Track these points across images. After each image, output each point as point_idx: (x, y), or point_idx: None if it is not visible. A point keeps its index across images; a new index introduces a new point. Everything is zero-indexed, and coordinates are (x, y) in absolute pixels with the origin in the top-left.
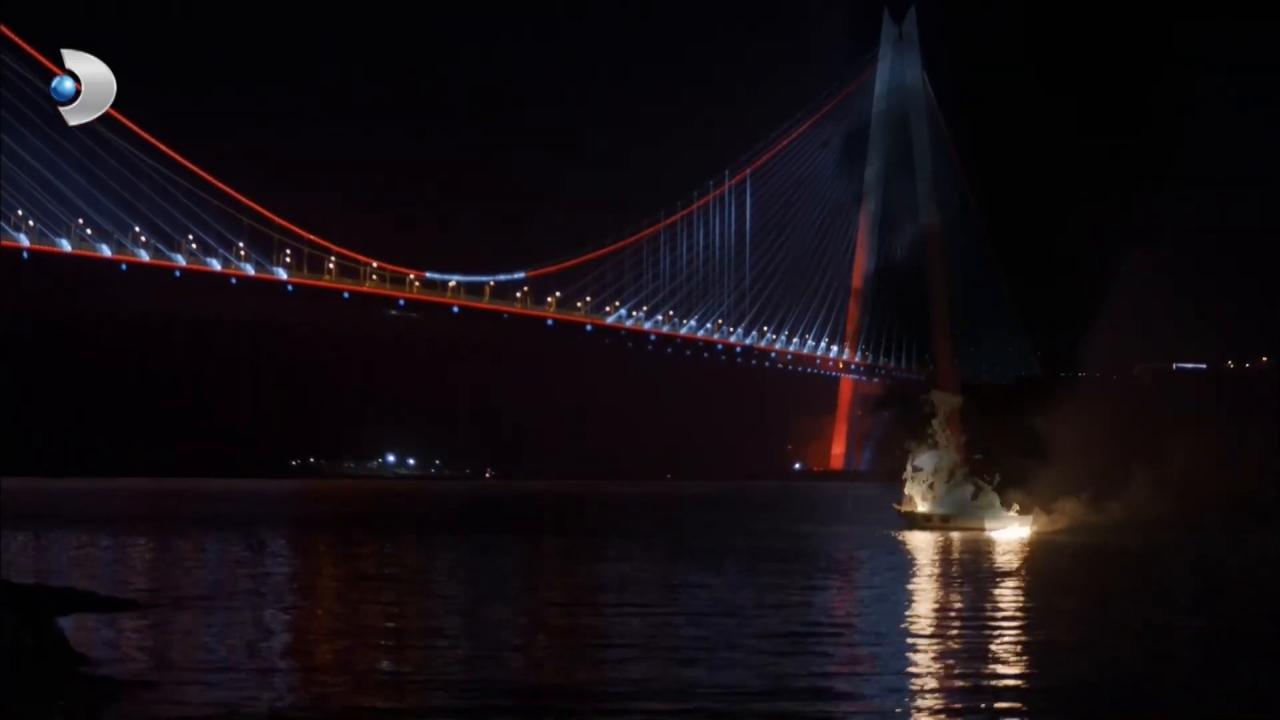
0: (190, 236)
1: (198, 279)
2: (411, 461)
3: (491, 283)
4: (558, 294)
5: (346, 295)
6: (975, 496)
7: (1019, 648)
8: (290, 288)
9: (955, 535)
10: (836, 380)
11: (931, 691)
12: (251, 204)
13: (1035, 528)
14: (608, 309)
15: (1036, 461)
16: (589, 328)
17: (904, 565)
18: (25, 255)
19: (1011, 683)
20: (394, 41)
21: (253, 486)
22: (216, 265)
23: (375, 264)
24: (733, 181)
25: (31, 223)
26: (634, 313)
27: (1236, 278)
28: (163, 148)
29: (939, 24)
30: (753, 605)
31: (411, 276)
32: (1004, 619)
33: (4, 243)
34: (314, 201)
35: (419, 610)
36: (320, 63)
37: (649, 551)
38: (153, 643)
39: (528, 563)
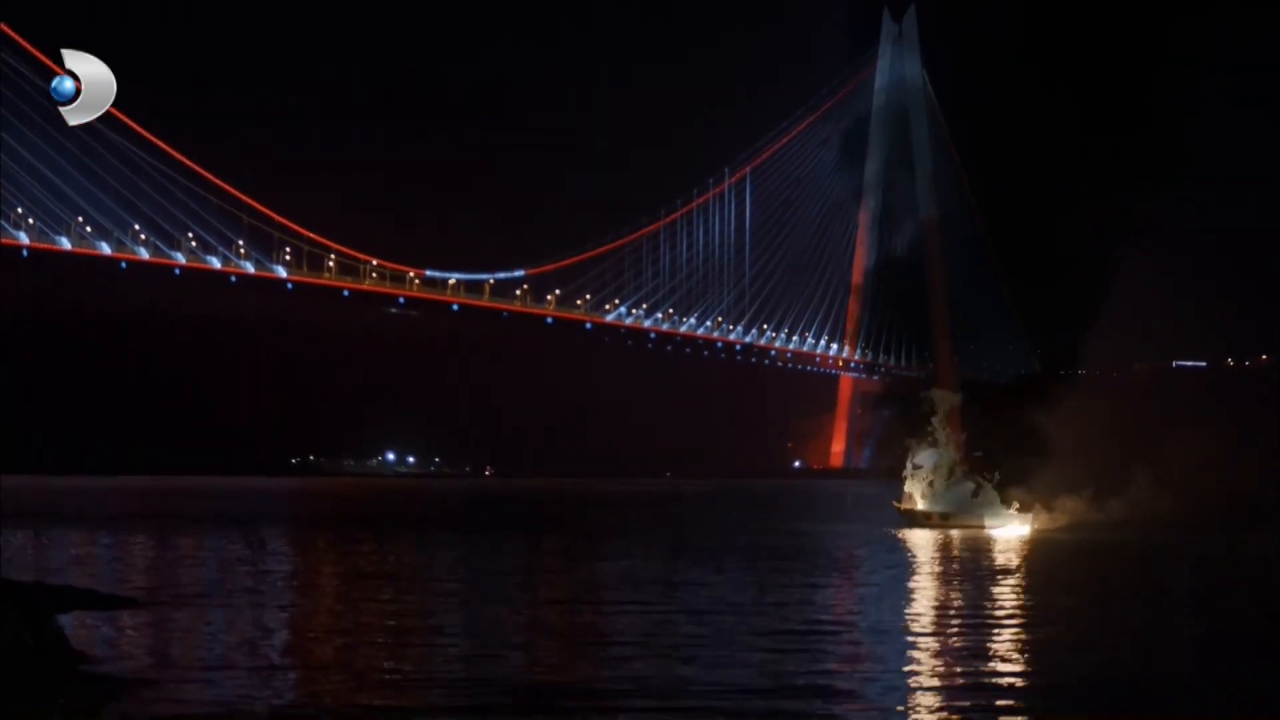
0: (190, 234)
1: (197, 277)
2: (411, 459)
3: (491, 280)
4: (557, 292)
5: (346, 293)
6: (975, 494)
7: (1018, 646)
8: (290, 286)
9: (955, 533)
10: (836, 378)
11: (931, 689)
12: (251, 202)
13: (1035, 525)
14: (607, 307)
15: (1036, 459)
16: (588, 326)
17: (904, 563)
18: (25, 253)
19: (1011, 681)
20: (394, 41)
21: (252, 484)
22: (216, 263)
23: (375, 262)
24: (732, 179)
25: (31, 220)
26: (633, 310)
27: (1236, 276)
28: (163, 145)
29: (939, 22)
30: (752, 603)
31: (411, 274)
32: (1004, 617)
33: (4, 240)
34: (314, 199)
35: (419, 608)
36: (320, 62)
37: (649, 549)
38: (152, 641)
39: (527, 560)
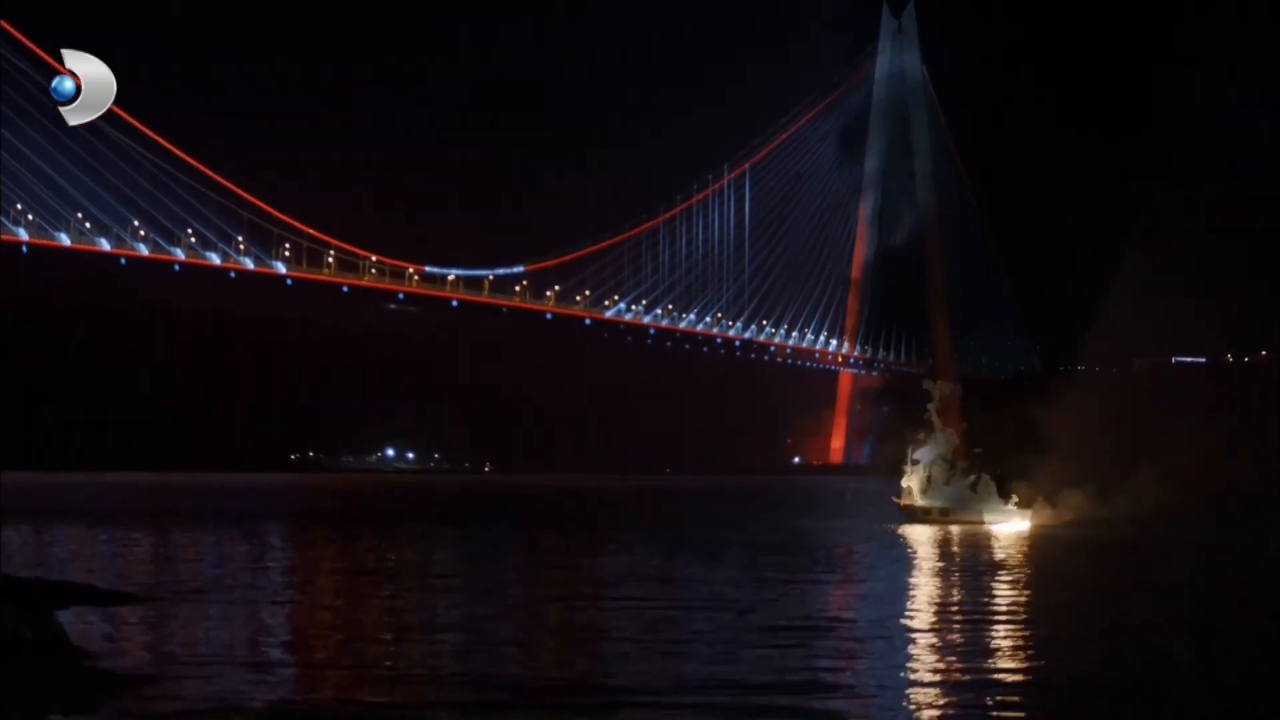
0: (189, 230)
1: (197, 273)
2: (411, 456)
3: (490, 276)
4: (557, 288)
5: (346, 289)
6: (974, 489)
7: (1018, 642)
8: (289, 282)
9: (954, 529)
10: (835, 374)
11: (930, 686)
12: (251, 198)
13: (1035, 521)
14: (607, 303)
15: (1036, 455)
16: (588, 322)
17: (903, 559)
18: (25, 249)
19: (1010, 678)
20: (394, 39)
21: (252, 481)
22: (216, 259)
23: (374, 258)
24: (732, 175)
25: (31, 217)
26: (633, 307)
27: (1236, 272)
28: (162, 142)
29: (938, 18)
30: (752, 599)
31: (410, 270)
32: (1003, 613)
33: (3, 237)
34: (313, 196)
35: (418, 604)
36: (320, 59)
37: (648, 545)
38: (152, 637)
39: (526, 557)
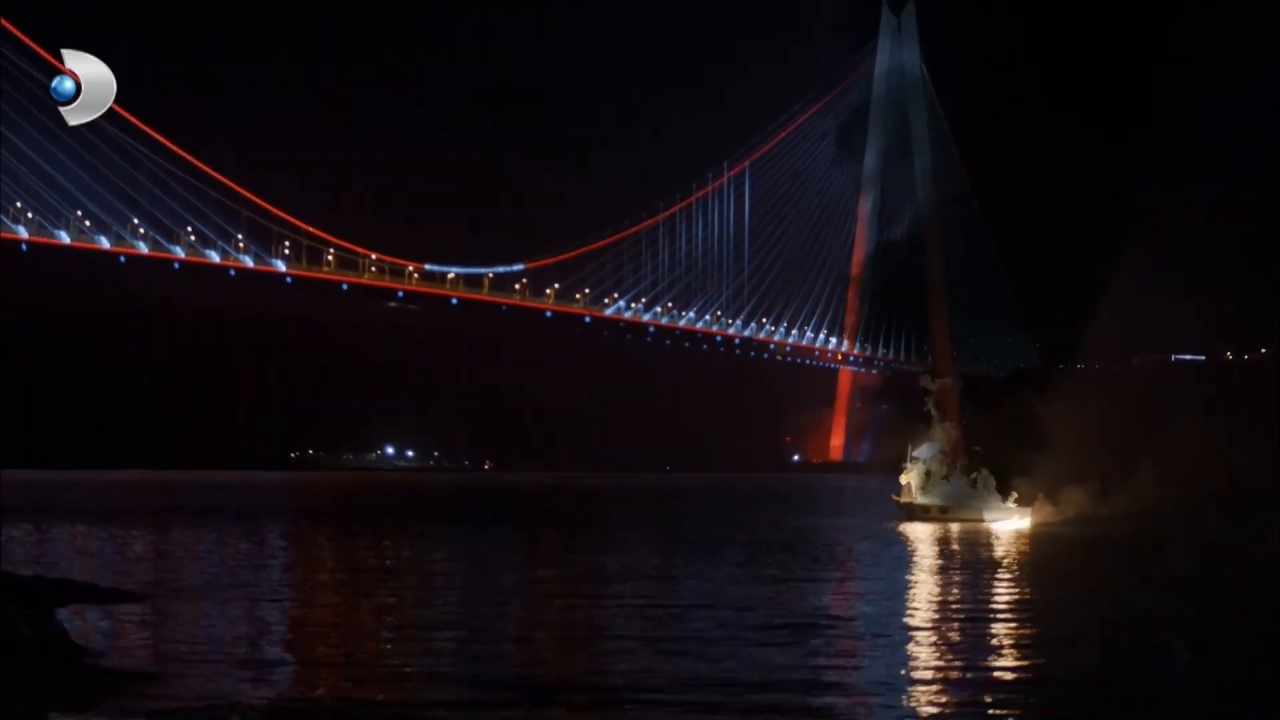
0: (189, 229)
1: (196, 271)
2: (410, 453)
3: (490, 274)
4: (556, 286)
5: (345, 287)
6: (974, 487)
7: (1017, 640)
8: (289, 280)
9: (954, 527)
10: (835, 372)
11: (930, 683)
12: (250, 196)
13: (1035, 519)
14: (606, 301)
15: (1036, 453)
16: (588, 320)
17: (903, 557)
18: (24, 247)
19: (1010, 675)
20: (394, 39)
21: (252, 478)
22: (215, 257)
23: (374, 256)
24: (731, 173)
25: (30, 215)
26: (633, 304)
27: (1236, 270)
28: (162, 140)
29: (938, 16)
30: (751, 597)
31: (410, 268)
32: (1003, 611)
33: (3, 235)
34: (313, 194)
35: (417, 602)
36: (320, 59)
37: (648, 543)
38: (152, 634)
39: (526, 554)
